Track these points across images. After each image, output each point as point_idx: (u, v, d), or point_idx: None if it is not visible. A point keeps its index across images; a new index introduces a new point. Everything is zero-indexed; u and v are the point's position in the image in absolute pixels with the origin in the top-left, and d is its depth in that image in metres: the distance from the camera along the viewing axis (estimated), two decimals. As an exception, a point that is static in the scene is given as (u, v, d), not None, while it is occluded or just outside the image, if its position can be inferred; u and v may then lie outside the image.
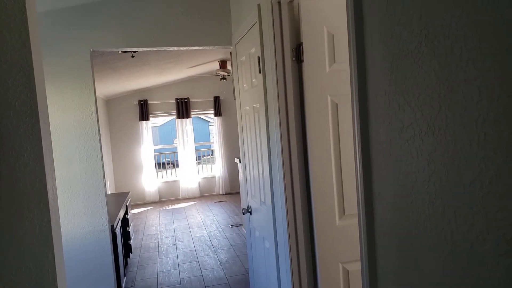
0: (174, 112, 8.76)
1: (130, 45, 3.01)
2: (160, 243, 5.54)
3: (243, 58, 2.70)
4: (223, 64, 6.74)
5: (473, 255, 0.82)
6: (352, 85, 1.23)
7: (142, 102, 8.43)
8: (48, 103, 2.83)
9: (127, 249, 4.60)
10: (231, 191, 9.14)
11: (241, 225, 6.19)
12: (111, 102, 8.34)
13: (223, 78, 7.01)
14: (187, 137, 8.83)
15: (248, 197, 2.94)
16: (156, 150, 9.52)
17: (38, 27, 1.27)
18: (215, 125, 9.14)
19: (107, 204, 3.02)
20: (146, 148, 8.52)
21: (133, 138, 8.53)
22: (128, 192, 5.28)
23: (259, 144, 2.49)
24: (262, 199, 2.54)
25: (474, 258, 0.82)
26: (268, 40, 2.12)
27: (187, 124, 8.81)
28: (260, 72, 2.29)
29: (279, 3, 1.99)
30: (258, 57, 2.29)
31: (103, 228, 3.01)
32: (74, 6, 2.86)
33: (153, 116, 8.72)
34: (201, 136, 17.74)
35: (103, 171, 2.99)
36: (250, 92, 2.62)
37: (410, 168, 1.00)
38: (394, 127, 1.05)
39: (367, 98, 1.18)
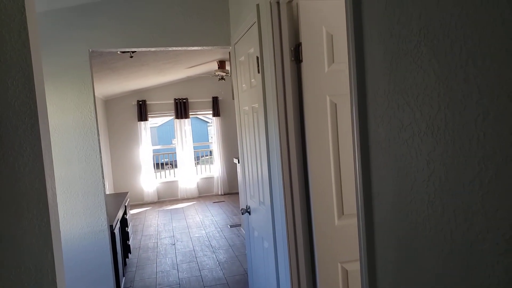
0: (173, 113, 8.76)
1: (128, 45, 3.01)
2: (159, 244, 5.54)
3: (242, 58, 2.70)
4: (221, 64, 6.74)
5: (473, 254, 0.82)
6: (351, 85, 1.23)
7: (140, 103, 8.42)
8: (47, 103, 2.83)
9: (126, 249, 4.60)
10: (230, 191, 9.14)
11: (239, 225, 6.18)
12: (109, 102, 8.33)
13: (222, 78, 7.01)
14: (185, 137, 8.82)
15: (247, 197, 2.94)
16: (154, 151, 9.51)
17: (38, 27, 1.27)
18: (213, 126, 9.14)
19: (106, 204, 3.01)
20: (145, 149, 8.51)
21: (132, 138, 8.52)
22: (127, 193, 5.27)
23: (258, 144, 2.49)
24: (261, 199, 2.53)
25: (473, 257, 0.82)
26: (267, 40, 2.12)
27: (186, 125, 8.81)
28: (259, 72, 2.29)
29: (278, 3, 1.99)
30: (257, 57, 2.29)
31: (102, 229, 3.01)
32: (73, 6, 2.86)
33: (151, 117, 8.72)
34: (200, 136, 17.73)
35: (102, 171, 2.98)
36: (249, 92, 2.62)
37: (409, 167, 1.01)
38: (393, 126, 1.06)
39: (366, 98, 1.18)
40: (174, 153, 9.31)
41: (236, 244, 5.28)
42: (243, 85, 2.75)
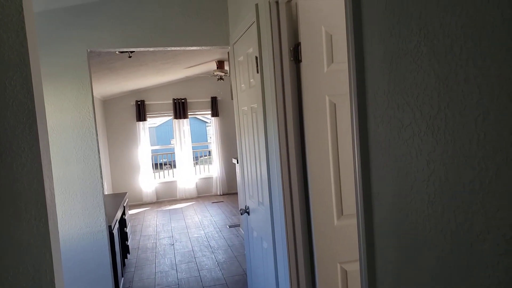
0: (171, 113, 8.75)
1: (127, 45, 3.00)
2: (157, 244, 5.53)
3: (241, 58, 2.70)
4: (220, 64, 6.73)
5: (473, 254, 0.82)
6: (351, 85, 1.23)
7: (139, 103, 8.41)
8: (45, 104, 2.82)
9: (125, 249, 4.59)
10: (229, 191, 9.13)
11: (238, 225, 6.18)
12: (108, 102, 8.32)
13: (220, 78, 7.00)
14: (184, 137, 8.82)
15: (246, 198, 2.93)
16: (153, 151, 9.50)
17: (35, 27, 1.26)
18: (212, 126, 9.13)
19: (104, 204, 3.01)
20: (143, 149, 8.50)
21: (131, 138, 8.51)
22: (126, 193, 5.26)
23: (257, 145, 2.49)
24: (260, 200, 2.53)
25: (473, 257, 0.82)
26: (266, 40, 2.12)
27: (184, 125, 8.80)
28: (258, 72, 2.28)
29: (277, 3, 1.99)
30: (256, 57, 2.28)
31: (101, 229, 3.00)
32: (71, 6, 2.85)
33: (150, 117, 8.70)
34: (199, 136, 17.73)
35: (101, 171, 2.98)
36: (248, 92, 2.61)
37: (409, 167, 1.00)
38: (393, 126, 1.05)
39: (366, 98, 1.18)
40: (172, 153, 9.30)
41: (235, 244, 5.27)
42: (242, 85, 2.75)
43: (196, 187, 9.05)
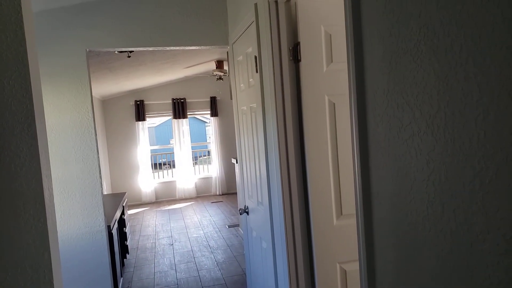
0: (171, 113, 8.75)
1: (126, 45, 2.99)
2: (156, 244, 5.52)
3: (240, 58, 2.70)
4: (219, 64, 6.73)
5: (473, 254, 0.82)
6: (350, 84, 1.23)
7: (138, 103, 8.41)
8: (44, 103, 2.82)
9: (124, 249, 4.58)
10: (228, 191, 9.13)
11: (238, 225, 6.18)
12: (107, 102, 8.31)
13: (220, 78, 7.00)
14: (183, 137, 8.81)
15: (245, 198, 2.93)
16: (152, 151, 9.49)
17: (34, 27, 1.26)
18: (211, 126, 9.13)
19: (103, 204, 3.00)
20: (143, 149, 8.50)
21: (130, 138, 8.50)
22: (125, 193, 5.26)
23: (256, 144, 2.49)
24: (259, 199, 2.53)
25: (473, 257, 0.82)
26: (265, 40, 2.11)
27: (184, 125, 8.80)
28: (257, 71, 2.28)
29: (276, 2, 1.99)
30: (255, 57, 2.28)
31: (100, 229, 2.99)
32: (70, 5, 2.85)
33: (149, 117, 8.70)
34: (198, 136, 17.72)
35: (100, 171, 2.97)
36: (247, 92, 2.61)
37: (409, 167, 1.00)
38: (393, 126, 1.05)
39: (365, 97, 1.18)
40: (172, 153, 9.30)
41: (234, 244, 5.27)
42: (241, 85, 2.75)
43: (195, 187, 9.05)
